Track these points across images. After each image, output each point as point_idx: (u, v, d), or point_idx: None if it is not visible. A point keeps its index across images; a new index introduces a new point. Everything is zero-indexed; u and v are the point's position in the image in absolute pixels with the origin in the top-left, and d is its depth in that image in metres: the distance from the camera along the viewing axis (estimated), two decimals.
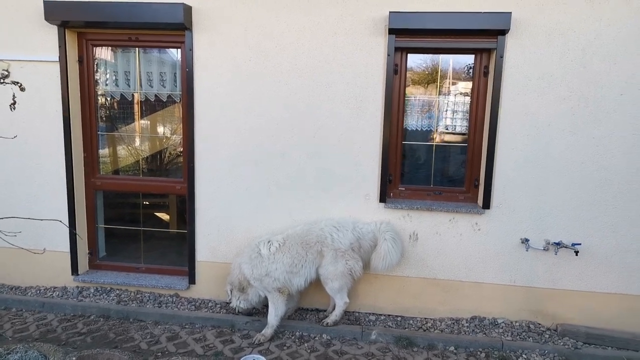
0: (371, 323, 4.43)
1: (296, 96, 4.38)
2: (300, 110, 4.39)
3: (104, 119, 5.15)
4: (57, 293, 4.82)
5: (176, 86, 4.80)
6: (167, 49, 4.81)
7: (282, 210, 4.57)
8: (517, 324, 4.38)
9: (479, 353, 4.02)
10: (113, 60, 4.90)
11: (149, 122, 5.27)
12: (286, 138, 4.45)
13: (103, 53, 4.88)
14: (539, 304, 4.38)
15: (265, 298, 4.21)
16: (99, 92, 4.92)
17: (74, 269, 4.90)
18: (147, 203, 5.81)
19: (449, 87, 4.60)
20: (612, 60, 3.95)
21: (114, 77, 4.89)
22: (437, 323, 4.44)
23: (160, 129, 5.38)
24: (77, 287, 4.90)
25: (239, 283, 4.24)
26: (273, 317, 4.12)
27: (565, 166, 4.15)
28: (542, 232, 4.27)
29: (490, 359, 3.95)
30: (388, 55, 4.19)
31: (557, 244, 4.18)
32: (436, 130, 4.66)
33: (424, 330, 4.32)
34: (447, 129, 4.70)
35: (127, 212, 5.69)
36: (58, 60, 4.53)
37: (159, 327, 4.34)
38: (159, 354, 3.87)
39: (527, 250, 4.27)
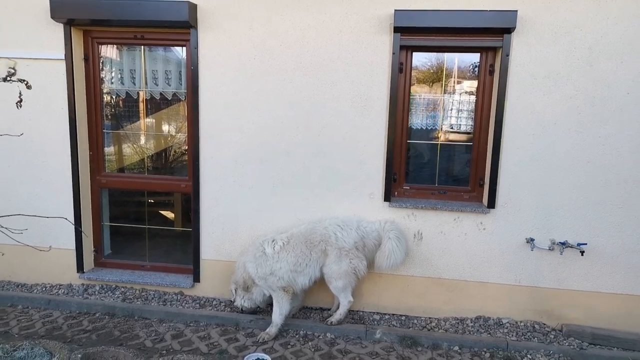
0: (375, 322, 4.43)
1: (301, 94, 4.37)
2: (305, 108, 4.39)
3: (110, 117, 5.16)
4: (63, 290, 4.85)
5: (181, 84, 4.81)
6: (172, 47, 4.82)
7: (287, 208, 4.57)
8: (522, 324, 4.37)
9: (483, 353, 4.01)
10: (118, 59, 4.92)
11: (154, 120, 5.28)
12: (291, 136, 4.45)
13: (109, 51, 4.89)
14: (544, 304, 4.36)
15: (270, 297, 4.22)
16: (105, 90, 4.93)
17: (80, 267, 4.92)
18: (152, 201, 5.83)
19: (454, 86, 4.58)
20: (618, 59, 3.92)
21: (119, 75, 4.91)
22: (442, 323, 4.43)
23: (165, 127, 5.39)
24: (83, 284, 4.92)
25: (243, 282, 4.25)
26: (277, 315, 4.12)
27: (571, 165, 4.13)
28: (548, 231, 4.25)
29: (495, 359, 3.94)
30: (393, 53, 4.17)
31: (563, 243, 4.16)
32: (441, 129, 4.65)
33: (428, 330, 4.31)
34: (452, 128, 4.68)
35: (132, 210, 5.71)
36: (64, 58, 4.54)
37: (164, 325, 4.35)
38: (164, 351, 3.88)
39: (532, 250, 4.25)
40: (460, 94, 4.59)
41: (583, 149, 4.09)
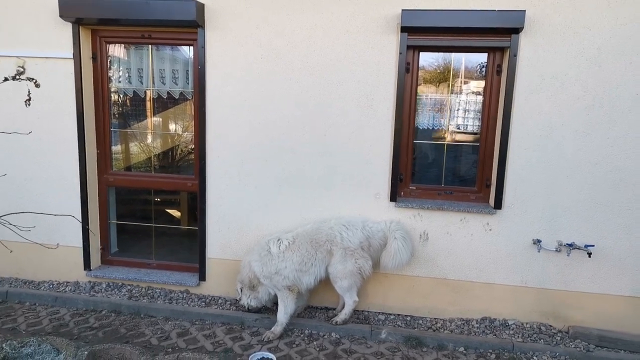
0: (380, 322, 4.42)
1: (307, 94, 4.37)
2: (311, 108, 4.39)
3: (117, 115, 5.19)
4: (70, 288, 4.88)
5: (188, 83, 4.82)
6: (179, 47, 4.84)
7: (293, 208, 4.57)
8: (528, 325, 4.34)
9: (489, 354, 3.99)
10: (126, 58, 4.94)
11: (161, 119, 5.30)
12: (297, 136, 4.45)
13: (116, 50, 4.92)
14: (551, 305, 4.34)
15: (275, 296, 4.23)
16: (112, 89, 4.96)
17: (87, 264, 4.96)
18: (158, 200, 5.85)
19: (460, 86, 4.56)
20: (627, 60, 3.89)
21: (127, 74, 4.93)
22: (447, 323, 4.42)
23: (172, 126, 5.41)
24: (89, 282, 4.95)
25: (249, 281, 4.26)
26: (282, 314, 4.13)
27: (579, 167, 4.10)
28: (555, 233, 4.23)
29: None
30: (400, 53, 4.17)
31: (570, 245, 4.13)
32: (447, 129, 4.63)
33: (434, 331, 4.30)
34: (458, 128, 4.66)
35: (139, 209, 5.74)
36: (72, 57, 4.57)
37: (170, 322, 4.37)
38: (170, 349, 3.90)
39: (539, 251, 4.22)
40: (467, 94, 4.57)
41: (591, 150, 4.06)
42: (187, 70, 4.81)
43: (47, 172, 4.85)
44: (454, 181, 4.66)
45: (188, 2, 4.21)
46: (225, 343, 4.05)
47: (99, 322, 4.35)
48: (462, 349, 4.07)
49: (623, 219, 4.11)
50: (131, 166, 5.49)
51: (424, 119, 4.60)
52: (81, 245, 4.92)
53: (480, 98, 4.45)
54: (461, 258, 4.41)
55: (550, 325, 4.34)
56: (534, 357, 3.94)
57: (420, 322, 4.45)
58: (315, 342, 4.09)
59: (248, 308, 4.39)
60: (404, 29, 4.09)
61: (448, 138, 4.65)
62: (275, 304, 4.27)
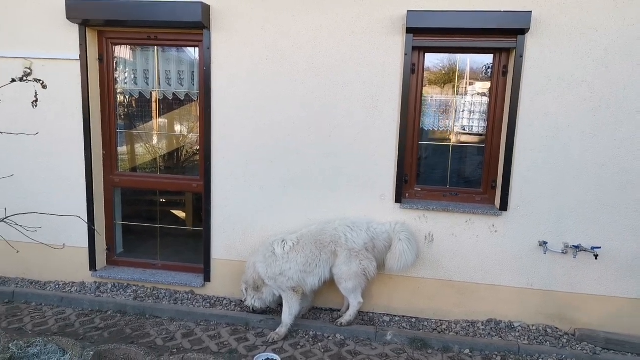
0: (385, 324, 4.41)
1: (313, 95, 4.37)
2: (316, 109, 4.39)
3: (123, 117, 5.21)
4: (76, 288, 4.90)
5: (194, 85, 4.84)
6: (185, 48, 4.85)
7: (297, 208, 4.57)
8: (534, 327, 4.32)
9: (494, 356, 3.97)
10: (132, 59, 4.96)
11: (166, 120, 5.32)
12: (302, 137, 4.45)
13: (122, 52, 4.94)
14: (557, 307, 4.31)
15: (280, 297, 4.22)
16: (118, 90, 4.98)
17: (92, 265, 4.98)
18: (163, 200, 5.87)
19: (466, 87, 4.55)
20: (635, 61, 3.86)
21: (133, 76, 4.95)
22: (452, 325, 4.40)
23: (178, 127, 5.43)
24: (95, 282, 4.97)
25: (253, 282, 4.26)
26: (287, 316, 4.12)
27: (585, 168, 4.08)
28: (561, 234, 4.20)
29: None
30: (405, 54, 4.16)
31: (576, 247, 4.11)
32: (453, 130, 4.62)
33: (439, 332, 4.29)
34: (464, 130, 4.65)
35: (144, 209, 5.75)
36: (79, 58, 4.60)
37: (175, 323, 4.38)
38: (175, 350, 3.91)
39: (545, 253, 4.20)
40: (472, 96, 4.56)
41: (597, 151, 4.03)
42: (193, 72, 4.82)
43: (53, 172, 4.87)
44: (459, 182, 4.65)
45: (194, 4, 4.22)
46: (230, 344, 4.05)
47: (105, 322, 4.36)
48: (467, 351, 4.05)
49: (630, 221, 4.08)
50: (137, 167, 5.51)
51: (429, 120, 4.59)
52: (87, 245, 4.94)
53: (485, 99, 4.44)
54: (467, 260, 4.39)
55: (557, 328, 4.32)
56: None
57: (426, 323, 4.44)
58: (320, 344, 4.09)
59: (253, 309, 4.39)
60: (409, 30, 4.08)
61: (453, 139, 4.63)
62: (280, 305, 4.27)
